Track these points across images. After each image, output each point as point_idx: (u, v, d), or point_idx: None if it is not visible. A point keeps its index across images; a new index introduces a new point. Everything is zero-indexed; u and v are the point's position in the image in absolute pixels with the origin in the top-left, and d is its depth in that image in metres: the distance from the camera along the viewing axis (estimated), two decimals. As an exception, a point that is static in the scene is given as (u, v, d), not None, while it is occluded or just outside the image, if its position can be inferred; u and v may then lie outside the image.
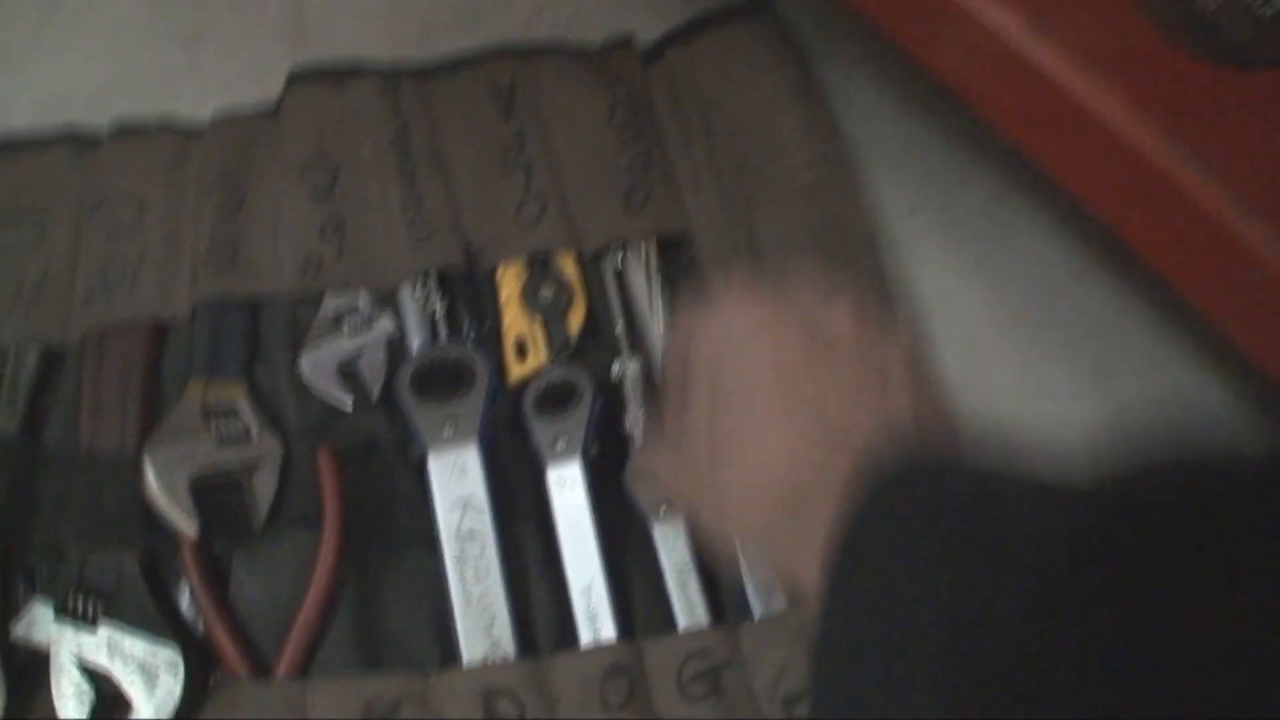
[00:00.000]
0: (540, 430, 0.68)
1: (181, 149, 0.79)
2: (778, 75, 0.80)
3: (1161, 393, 0.75)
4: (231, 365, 0.70)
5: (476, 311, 0.73)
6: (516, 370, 0.71)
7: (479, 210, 0.76)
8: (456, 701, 0.60)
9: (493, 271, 0.74)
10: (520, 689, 0.61)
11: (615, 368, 0.71)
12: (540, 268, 0.74)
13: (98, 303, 0.72)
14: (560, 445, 0.67)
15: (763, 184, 0.77)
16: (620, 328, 0.72)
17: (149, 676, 0.60)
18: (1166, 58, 0.57)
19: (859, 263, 0.73)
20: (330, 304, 0.72)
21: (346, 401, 0.69)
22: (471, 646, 0.62)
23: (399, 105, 0.79)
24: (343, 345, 0.71)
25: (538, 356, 0.71)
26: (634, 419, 0.69)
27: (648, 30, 0.86)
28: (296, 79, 0.81)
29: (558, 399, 0.69)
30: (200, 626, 0.64)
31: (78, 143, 0.80)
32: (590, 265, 0.75)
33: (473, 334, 0.72)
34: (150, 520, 0.64)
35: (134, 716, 0.60)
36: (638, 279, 0.74)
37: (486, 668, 0.61)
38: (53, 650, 0.61)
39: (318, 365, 0.70)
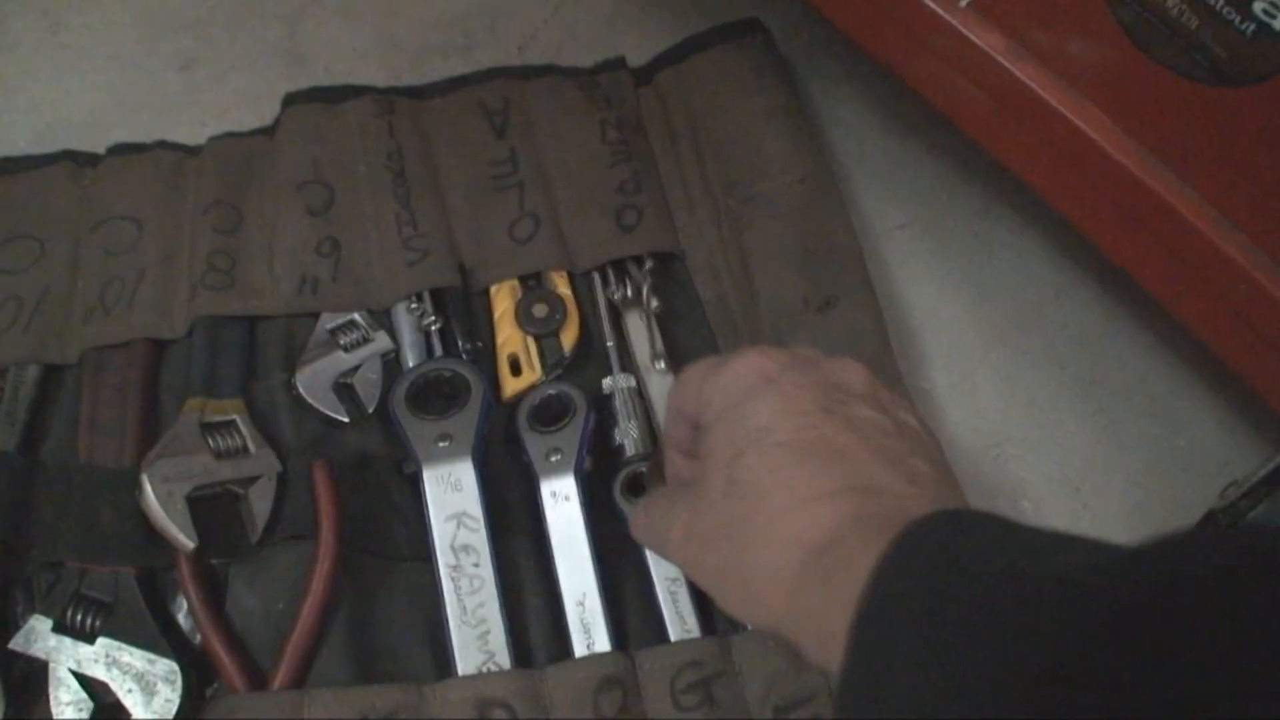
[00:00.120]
0: (534, 445, 0.68)
1: (179, 169, 0.80)
2: (767, 95, 0.81)
3: (1148, 405, 0.76)
4: (229, 382, 0.70)
5: (470, 328, 0.73)
6: (511, 385, 0.71)
7: (472, 230, 0.77)
8: (451, 712, 0.60)
9: (486, 289, 0.75)
10: (514, 700, 0.61)
11: (607, 383, 0.71)
12: (534, 285, 0.75)
13: (96, 321, 0.72)
14: (554, 459, 0.68)
15: (752, 202, 0.78)
16: (612, 343, 0.73)
17: (147, 688, 0.61)
18: (1149, 75, 0.58)
19: (847, 279, 0.74)
20: (326, 321, 0.73)
21: (342, 416, 0.70)
22: (466, 658, 0.63)
23: (394, 126, 0.81)
24: (339, 361, 0.72)
25: (532, 372, 0.72)
26: (624, 431, 0.69)
27: (638, 55, 0.87)
28: (292, 100, 0.82)
29: (552, 414, 0.70)
30: (197, 639, 0.64)
31: (76, 163, 0.81)
32: (582, 281, 0.76)
33: (467, 350, 0.72)
34: (148, 535, 0.64)
35: (132, 725, 0.61)
36: (638, 335, 0.74)
37: (481, 678, 0.62)
38: (51, 663, 0.61)
39: (314, 381, 0.71)
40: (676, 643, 0.64)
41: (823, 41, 0.90)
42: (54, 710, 0.61)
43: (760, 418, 0.49)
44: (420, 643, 0.65)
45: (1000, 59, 0.62)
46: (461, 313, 0.74)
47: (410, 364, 0.72)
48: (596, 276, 0.76)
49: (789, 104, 0.82)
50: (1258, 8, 0.54)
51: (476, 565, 0.65)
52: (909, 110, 0.87)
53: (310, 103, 0.82)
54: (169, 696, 0.61)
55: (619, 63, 0.87)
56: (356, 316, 0.74)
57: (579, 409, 0.69)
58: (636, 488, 0.68)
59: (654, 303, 0.74)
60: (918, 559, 0.40)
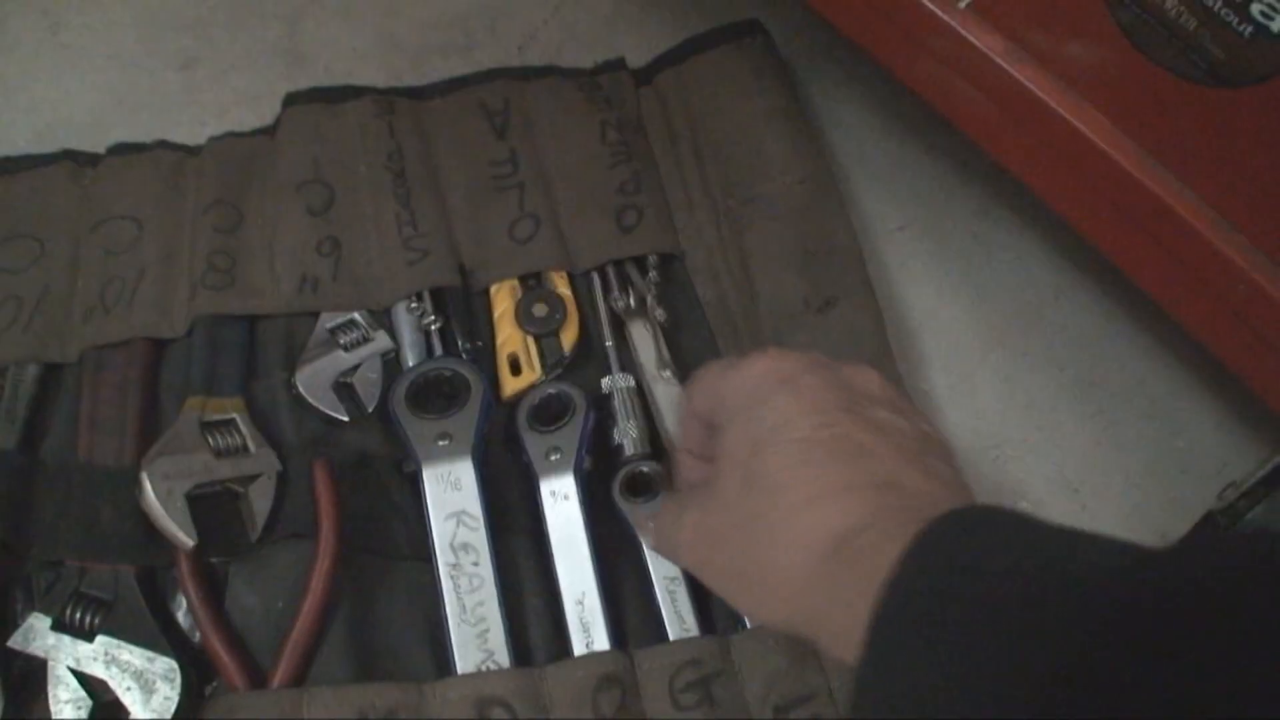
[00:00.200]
0: (534, 444, 0.68)
1: (179, 168, 0.80)
2: (767, 96, 0.81)
3: (1147, 406, 0.76)
4: (229, 381, 0.70)
5: (470, 328, 0.74)
6: (510, 385, 0.72)
7: (472, 230, 0.77)
8: (450, 710, 0.60)
9: (486, 288, 0.75)
10: (513, 698, 0.61)
11: (606, 383, 0.71)
12: (534, 285, 0.75)
13: (96, 320, 0.72)
14: (554, 459, 0.68)
15: (753, 203, 0.78)
16: (611, 343, 0.73)
17: (146, 686, 0.61)
18: (1148, 76, 0.58)
19: (848, 280, 0.74)
20: (326, 320, 0.73)
21: (342, 415, 0.70)
22: (465, 657, 0.63)
23: (394, 126, 0.81)
24: (339, 360, 0.72)
25: (531, 372, 0.72)
26: (623, 431, 0.69)
27: (638, 55, 0.87)
28: (293, 100, 0.82)
29: (551, 413, 0.70)
30: (197, 638, 0.64)
31: (76, 162, 0.81)
32: (581, 281, 0.76)
33: (467, 349, 0.72)
34: (148, 533, 0.64)
35: (132, 721, 0.61)
36: (644, 343, 0.74)
37: (480, 677, 0.62)
38: (50, 661, 0.61)
39: (314, 380, 0.71)
40: (675, 642, 0.64)
41: (822, 44, 0.90)
42: (53, 708, 0.61)
43: (778, 415, 0.49)
44: (420, 641, 0.65)
45: (999, 60, 0.62)
46: (461, 312, 0.74)
47: (410, 363, 0.72)
48: (596, 277, 0.76)
49: (789, 105, 0.82)
50: (1255, 9, 0.54)
51: (476, 564, 0.65)
52: (908, 112, 0.87)
53: (311, 103, 0.82)
54: (168, 694, 0.61)
55: (619, 63, 0.87)
56: (356, 316, 0.74)
57: (578, 408, 0.69)
58: (636, 487, 0.68)
59: (660, 312, 0.74)
60: (937, 557, 0.40)
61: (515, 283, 0.75)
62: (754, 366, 0.52)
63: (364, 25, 0.92)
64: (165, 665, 0.61)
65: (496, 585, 0.64)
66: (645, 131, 0.83)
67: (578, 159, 0.80)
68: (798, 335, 0.72)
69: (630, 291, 0.75)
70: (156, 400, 0.71)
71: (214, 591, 0.65)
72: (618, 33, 0.92)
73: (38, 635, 0.62)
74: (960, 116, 0.67)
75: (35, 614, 0.63)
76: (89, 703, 0.61)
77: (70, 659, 0.62)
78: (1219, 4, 0.55)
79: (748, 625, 0.64)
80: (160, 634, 0.63)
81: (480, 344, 0.73)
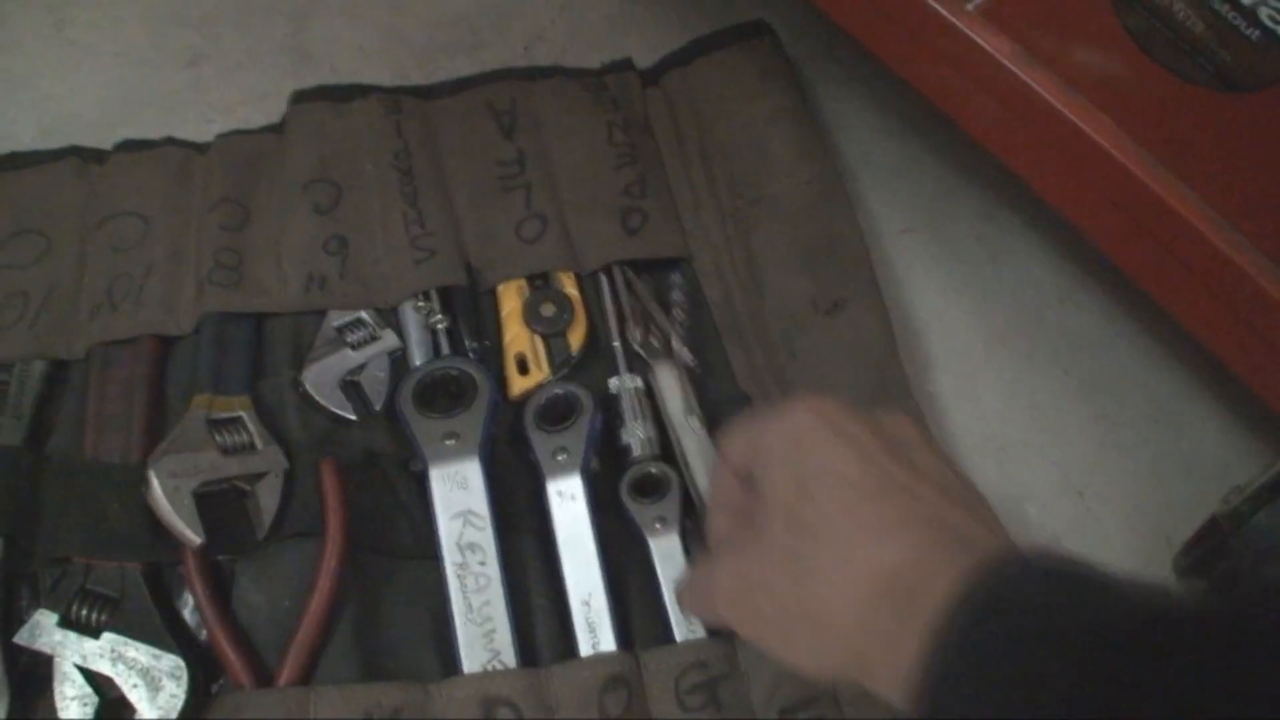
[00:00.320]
0: (541, 444, 0.68)
1: (186, 165, 0.80)
2: (774, 97, 0.82)
3: (1151, 409, 0.76)
4: (235, 379, 0.70)
5: (478, 327, 0.74)
6: (518, 384, 0.72)
7: (479, 229, 0.77)
8: (456, 710, 0.61)
9: (494, 288, 0.75)
10: (519, 698, 0.61)
11: (614, 383, 0.72)
12: (541, 285, 0.75)
13: (103, 317, 0.73)
14: (561, 459, 0.68)
15: (759, 204, 0.78)
16: (618, 343, 0.73)
17: (152, 683, 0.61)
18: (1155, 80, 0.58)
19: (855, 281, 0.74)
20: (334, 318, 0.73)
21: (349, 414, 0.70)
22: (471, 656, 0.63)
23: (401, 125, 0.81)
24: (346, 359, 0.72)
25: (539, 372, 0.72)
26: (630, 431, 0.69)
27: (645, 55, 0.88)
28: (300, 98, 0.82)
29: (558, 413, 0.70)
30: (203, 635, 0.64)
31: (83, 158, 0.81)
32: (589, 281, 0.76)
33: (474, 349, 0.72)
34: (154, 530, 0.64)
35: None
36: (671, 393, 0.72)
37: (486, 677, 0.62)
38: (56, 658, 0.61)
39: (321, 379, 0.71)
40: (682, 643, 0.64)
41: (828, 45, 0.90)
42: (59, 705, 0.61)
43: (823, 458, 0.49)
44: (426, 640, 0.65)
45: (1007, 63, 0.62)
46: (469, 311, 0.74)
47: (417, 362, 0.72)
48: (604, 279, 0.76)
49: (796, 106, 0.82)
50: (1263, 14, 0.55)
51: (482, 564, 0.65)
52: (913, 113, 0.87)
53: (317, 101, 0.82)
54: (174, 692, 0.61)
55: (626, 64, 0.87)
56: (364, 315, 0.74)
57: (586, 409, 0.69)
58: (644, 488, 0.68)
59: (687, 354, 0.72)
60: (990, 606, 0.40)
61: (523, 282, 0.75)
62: (794, 411, 0.52)
63: (371, 24, 0.93)
64: (171, 663, 0.62)
65: (503, 585, 0.64)
66: (652, 132, 0.83)
67: (584, 159, 0.80)
68: (805, 337, 0.73)
69: (652, 329, 0.74)
70: (163, 398, 0.71)
71: (220, 589, 0.65)
72: (624, 33, 0.92)
73: (44, 632, 0.62)
74: (966, 118, 0.67)
75: (41, 610, 0.63)
76: (95, 700, 0.61)
77: (76, 656, 0.62)
78: (1226, 8, 0.55)
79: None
80: (166, 631, 0.63)
81: (487, 343, 0.73)
